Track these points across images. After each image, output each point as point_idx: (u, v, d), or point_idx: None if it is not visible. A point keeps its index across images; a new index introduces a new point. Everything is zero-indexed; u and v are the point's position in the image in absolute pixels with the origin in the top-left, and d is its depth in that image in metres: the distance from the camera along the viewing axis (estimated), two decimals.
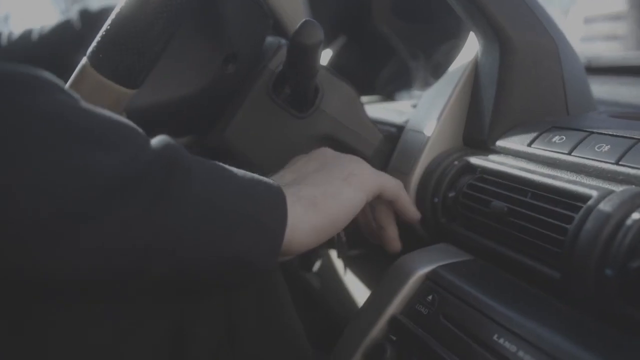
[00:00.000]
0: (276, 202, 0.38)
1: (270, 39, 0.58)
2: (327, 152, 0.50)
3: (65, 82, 0.32)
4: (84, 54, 0.40)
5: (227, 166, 0.37)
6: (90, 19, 0.76)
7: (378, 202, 0.51)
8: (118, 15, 0.38)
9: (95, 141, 0.30)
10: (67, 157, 0.28)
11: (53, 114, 0.29)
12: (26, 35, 0.79)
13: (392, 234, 0.53)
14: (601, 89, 0.66)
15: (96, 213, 0.29)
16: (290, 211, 0.38)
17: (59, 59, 0.59)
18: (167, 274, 0.33)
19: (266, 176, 0.40)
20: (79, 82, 0.39)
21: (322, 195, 0.41)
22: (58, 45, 0.77)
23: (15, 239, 0.28)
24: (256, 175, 0.38)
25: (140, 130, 0.33)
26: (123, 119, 0.32)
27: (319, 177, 0.44)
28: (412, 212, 0.51)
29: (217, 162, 0.37)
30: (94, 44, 0.39)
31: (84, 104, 0.31)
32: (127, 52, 0.38)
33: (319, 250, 0.72)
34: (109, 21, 0.38)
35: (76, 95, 0.31)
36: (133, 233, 0.30)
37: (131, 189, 0.30)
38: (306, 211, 0.40)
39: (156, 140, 0.33)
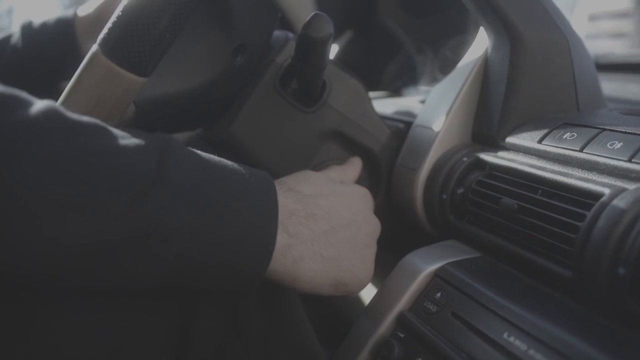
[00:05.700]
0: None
1: (277, 33, 0.58)
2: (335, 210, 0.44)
3: None
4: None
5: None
6: (32, 37, 0.66)
7: None
8: (130, 1, 0.37)
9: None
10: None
11: None
12: None
13: None
14: (610, 86, 0.66)
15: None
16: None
17: None
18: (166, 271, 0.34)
19: None
20: (89, 70, 0.38)
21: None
22: None
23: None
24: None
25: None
26: None
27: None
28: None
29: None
30: (105, 30, 0.38)
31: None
32: (139, 39, 0.37)
33: None
34: (120, 7, 0.38)
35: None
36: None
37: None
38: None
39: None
